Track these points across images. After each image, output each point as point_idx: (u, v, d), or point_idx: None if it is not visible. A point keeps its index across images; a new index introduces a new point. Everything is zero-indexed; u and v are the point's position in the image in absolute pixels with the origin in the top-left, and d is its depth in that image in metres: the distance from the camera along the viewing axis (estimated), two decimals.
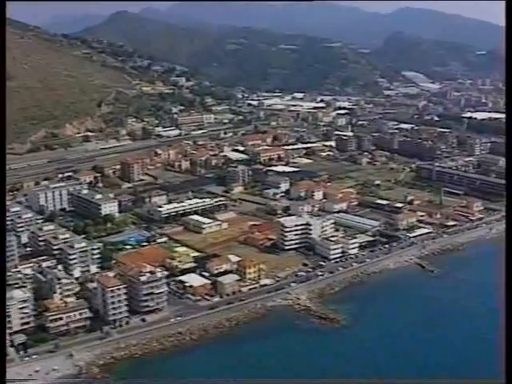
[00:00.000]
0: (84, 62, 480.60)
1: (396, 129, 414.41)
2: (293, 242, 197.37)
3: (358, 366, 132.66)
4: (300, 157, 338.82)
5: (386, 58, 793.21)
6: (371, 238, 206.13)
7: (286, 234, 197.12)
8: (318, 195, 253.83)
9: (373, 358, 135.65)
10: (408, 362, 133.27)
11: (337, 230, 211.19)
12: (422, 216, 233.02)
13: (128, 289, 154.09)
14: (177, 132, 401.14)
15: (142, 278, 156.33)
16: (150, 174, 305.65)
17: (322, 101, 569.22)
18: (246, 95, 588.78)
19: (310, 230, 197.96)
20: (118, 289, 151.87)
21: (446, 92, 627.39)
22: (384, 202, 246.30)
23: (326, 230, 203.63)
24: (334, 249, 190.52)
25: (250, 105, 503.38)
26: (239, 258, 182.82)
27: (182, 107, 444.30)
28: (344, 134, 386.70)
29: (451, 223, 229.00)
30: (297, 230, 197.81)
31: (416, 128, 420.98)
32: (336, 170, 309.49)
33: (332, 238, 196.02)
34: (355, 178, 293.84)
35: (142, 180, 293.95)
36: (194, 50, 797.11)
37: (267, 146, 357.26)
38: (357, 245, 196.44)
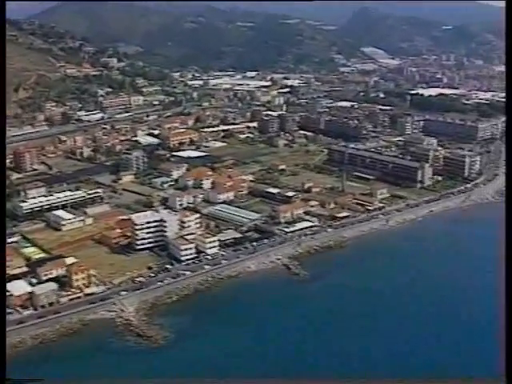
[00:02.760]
0: (7, 45, 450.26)
1: (329, 107, 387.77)
2: (145, 241, 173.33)
3: None
4: (215, 140, 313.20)
5: (351, 35, 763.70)
6: (239, 235, 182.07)
7: (137, 232, 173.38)
8: (207, 184, 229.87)
9: None
10: None
11: (207, 226, 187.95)
12: (312, 206, 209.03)
13: None
14: (99, 116, 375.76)
15: None
16: (46, 162, 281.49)
17: (271, 79, 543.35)
18: (198, 75, 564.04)
19: (165, 226, 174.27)
20: None
21: (403, 68, 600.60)
22: (275, 191, 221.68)
23: (189, 226, 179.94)
24: (186, 249, 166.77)
25: (185, 85, 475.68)
26: (74, 261, 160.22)
27: (109, 89, 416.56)
28: (268, 113, 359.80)
29: (343, 214, 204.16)
30: (149, 228, 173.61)
31: (356, 106, 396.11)
32: (246, 154, 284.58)
33: (187, 237, 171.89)
34: (262, 163, 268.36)
35: (35, 170, 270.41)
36: (151, 29, 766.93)
37: (184, 128, 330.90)
38: (216, 243, 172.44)
